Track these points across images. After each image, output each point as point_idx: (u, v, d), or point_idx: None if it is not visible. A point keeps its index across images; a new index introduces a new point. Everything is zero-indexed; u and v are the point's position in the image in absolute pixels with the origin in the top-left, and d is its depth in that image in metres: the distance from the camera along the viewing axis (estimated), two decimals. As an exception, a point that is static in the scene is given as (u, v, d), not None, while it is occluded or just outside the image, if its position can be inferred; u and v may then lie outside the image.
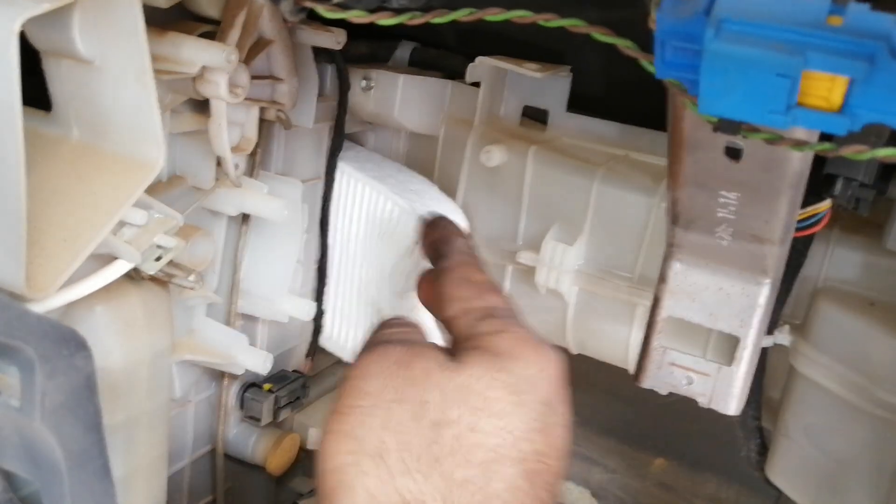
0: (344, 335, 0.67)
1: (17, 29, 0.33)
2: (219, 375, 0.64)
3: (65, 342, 0.34)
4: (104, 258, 0.43)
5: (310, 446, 0.71)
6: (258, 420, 0.65)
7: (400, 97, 0.63)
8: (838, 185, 0.47)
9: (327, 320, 0.67)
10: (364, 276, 0.65)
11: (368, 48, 0.66)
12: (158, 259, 0.45)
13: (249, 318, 0.64)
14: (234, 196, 0.55)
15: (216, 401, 0.65)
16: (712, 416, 0.50)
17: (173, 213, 0.45)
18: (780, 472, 0.60)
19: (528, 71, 0.58)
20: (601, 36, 0.33)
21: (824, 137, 0.32)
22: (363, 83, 0.63)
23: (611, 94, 0.65)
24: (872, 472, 0.54)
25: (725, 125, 0.29)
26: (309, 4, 0.43)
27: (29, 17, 0.34)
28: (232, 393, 0.65)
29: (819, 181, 0.47)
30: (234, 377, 0.64)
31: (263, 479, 0.71)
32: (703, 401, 0.49)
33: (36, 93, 0.41)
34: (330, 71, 0.61)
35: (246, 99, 0.48)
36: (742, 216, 0.42)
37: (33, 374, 0.33)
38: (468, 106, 0.64)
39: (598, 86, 0.64)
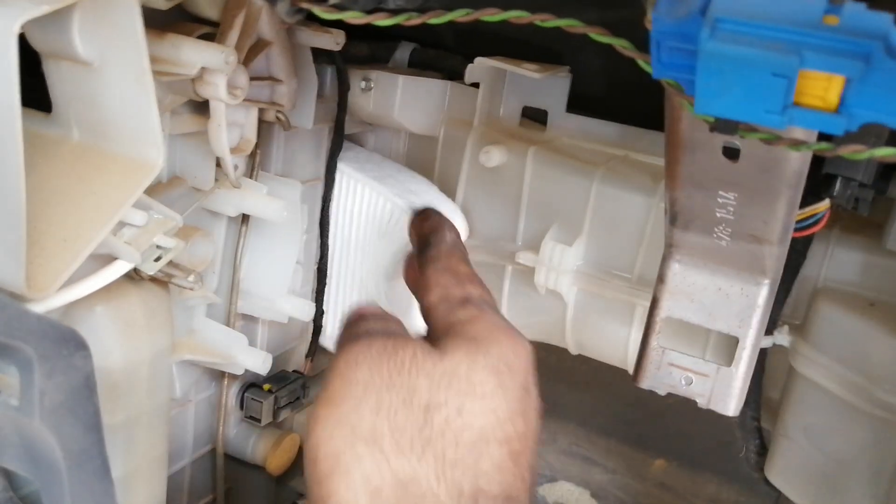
0: (344, 335, 0.67)
1: (16, 30, 0.33)
2: (219, 375, 0.64)
3: (64, 342, 0.34)
4: (104, 258, 0.43)
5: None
6: (258, 420, 0.65)
7: (399, 98, 0.63)
8: (837, 185, 0.47)
9: (327, 320, 0.67)
10: (363, 275, 0.65)
11: (368, 49, 0.67)
12: (158, 259, 0.46)
13: (249, 319, 0.64)
14: (234, 197, 0.55)
15: (216, 401, 0.65)
16: (712, 416, 0.50)
17: (173, 213, 0.45)
18: (780, 472, 0.59)
19: (528, 71, 0.58)
20: (598, 36, 0.33)
21: (823, 137, 0.32)
22: (363, 84, 0.63)
23: (610, 94, 0.65)
24: (872, 473, 0.54)
25: (722, 125, 0.29)
26: (305, 5, 0.43)
27: (29, 19, 0.34)
28: (232, 393, 0.65)
29: (818, 181, 0.47)
30: (234, 377, 0.64)
31: (263, 479, 0.71)
32: (701, 401, 0.49)
33: (36, 94, 0.41)
34: (329, 72, 0.61)
35: (245, 100, 0.48)
36: (741, 216, 0.42)
37: (32, 374, 0.33)
38: (468, 106, 0.64)
39: (598, 86, 0.64)
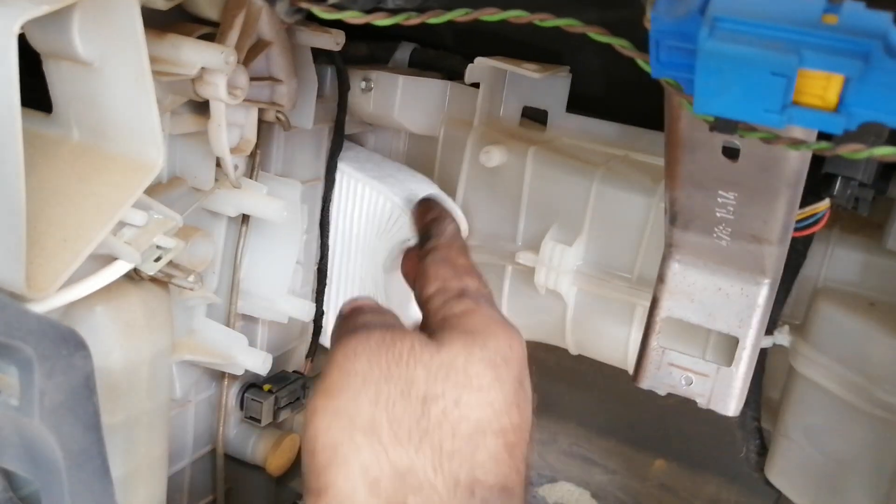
0: (344, 336, 0.67)
1: (16, 30, 0.33)
2: (219, 376, 0.64)
3: (64, 342, 0.34)
4: (104, 258, 0.43)
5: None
6: (258, 420, 0.65)
7: (399, 98, 0.63)
8: (837, 185, 0.47)
9: (327, 320, 0.67)
10: (364, 275, 0.65)
11: (368, 49, 0.67)
12: (158, 260, 0.46)
13: (249, 319, 0.64)
14: (234, 197, 0.55)
15: (216, 401, 0.65)
16: (712, 416, 0.50)
17: (173, 213, 0.45)
18: (780, 472, 0.59)
19: (528, 71, 0.58)
20: (597, 35, 0.33)
21: (822, 136, 0.32)
22: (363, 84, 0.63)
23: (610, 94, 0.65)
24: (872, 473, 0.54)
25: (722, 124, 0.29)
26: (304, 5, 0.43)
27: (29, 19, 0.34)
28: (232, 393, 0.65)
29: (818, 181, 0.47)
30: (234, 377, 0.64)
31: (263, 480, 0.71)
32: (701, 401, 0.49)
33: (36, 94, 0.41)
34: (329, 72, 0.61)
35: (245, 100, 0.48)
36: (740, 216, 0.42)
37: (32, 374, 0.33)
38: (468, 106, 0.64)
39: (598, 86, 0.64)
